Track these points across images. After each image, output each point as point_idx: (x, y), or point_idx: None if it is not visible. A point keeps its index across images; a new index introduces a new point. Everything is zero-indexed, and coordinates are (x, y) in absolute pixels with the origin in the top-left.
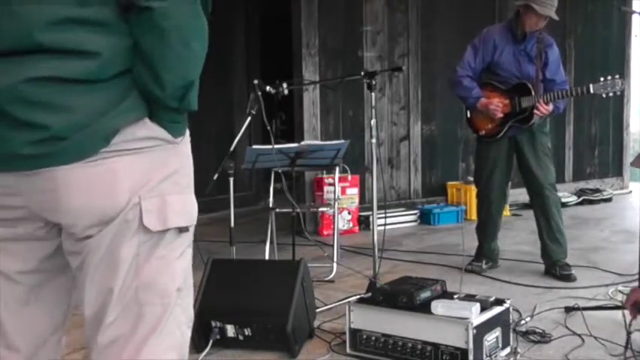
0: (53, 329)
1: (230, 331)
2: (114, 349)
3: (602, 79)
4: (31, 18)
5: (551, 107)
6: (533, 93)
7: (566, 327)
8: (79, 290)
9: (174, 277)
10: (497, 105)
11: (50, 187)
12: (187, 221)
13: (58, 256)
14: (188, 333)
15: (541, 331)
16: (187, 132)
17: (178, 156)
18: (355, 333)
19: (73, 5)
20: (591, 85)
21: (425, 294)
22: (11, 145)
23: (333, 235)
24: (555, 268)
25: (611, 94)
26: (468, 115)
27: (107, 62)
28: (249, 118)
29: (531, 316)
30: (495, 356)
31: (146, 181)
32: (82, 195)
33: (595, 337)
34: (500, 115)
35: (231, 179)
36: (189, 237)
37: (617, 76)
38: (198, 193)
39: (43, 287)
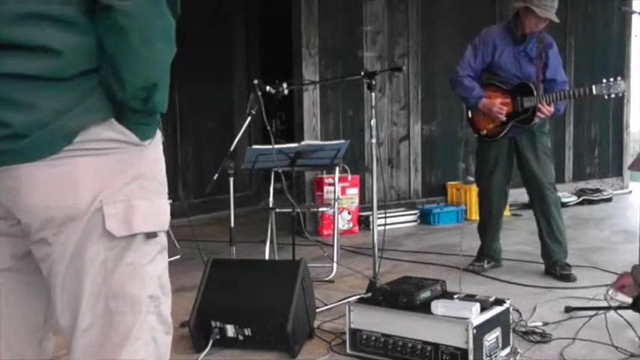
0: (32, 330)
1: (230, 331)
2: (87, 357)
3: (604, 80)
4: None
5: (552, 108)
6: (535, 93)
7: (568, 327)
8: (52, 301)
9: (145, 284)
10: (501, 107)
11: (14, 184)
12: (155, 226)
13: (32, 256)
14: (167, 340)
15: (541, 331)
16: (158, 134)
17: (145, 159)
18: (355, 333)
19: (37, 1)
20: (593, 87)
21: (425, 294)
22: None
23: (333, 235)
24: (555, 268)
25: (612, 96)
26: (469, 115)
27: (71, 60)
28: (249, 118)
29: (531, 317)
30: (495, 356)
31: (109, 184)
32: (42, 193)
33: (595, 339)
34: (503, 118)
35: (231, 179)
36: (160, 242)
37: (619, 78)
38: (199, 193)
39: (19, 287)
